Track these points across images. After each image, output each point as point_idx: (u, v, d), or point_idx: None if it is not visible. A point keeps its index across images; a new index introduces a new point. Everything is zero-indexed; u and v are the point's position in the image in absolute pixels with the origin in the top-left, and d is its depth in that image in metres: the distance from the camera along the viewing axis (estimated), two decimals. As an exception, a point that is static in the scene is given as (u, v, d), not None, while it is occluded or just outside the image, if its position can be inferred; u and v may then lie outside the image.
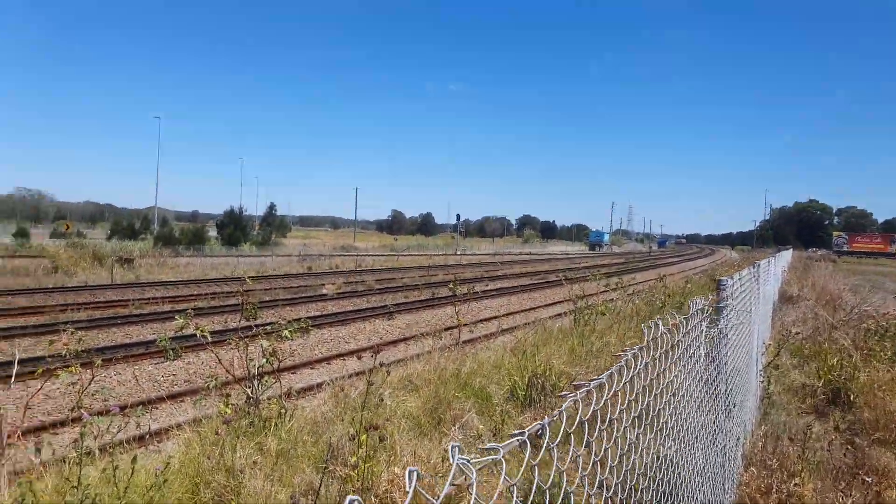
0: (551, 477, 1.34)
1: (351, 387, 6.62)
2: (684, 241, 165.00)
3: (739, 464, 4.51)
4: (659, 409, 1.97)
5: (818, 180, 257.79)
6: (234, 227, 54.52)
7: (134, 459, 3.02)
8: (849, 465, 4.78)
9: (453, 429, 5.28)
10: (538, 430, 1.15)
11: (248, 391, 5.23)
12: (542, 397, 6.32)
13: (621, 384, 1.64)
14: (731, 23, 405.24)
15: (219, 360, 5.56)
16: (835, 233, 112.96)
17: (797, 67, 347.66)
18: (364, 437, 3.88)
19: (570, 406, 1.29)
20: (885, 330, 10.19)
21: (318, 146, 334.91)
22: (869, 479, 4.13)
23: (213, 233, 55.77)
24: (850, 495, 3.92)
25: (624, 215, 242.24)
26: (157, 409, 8.26)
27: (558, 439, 1.24)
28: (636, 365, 1.76)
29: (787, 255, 27.13)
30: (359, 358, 4.13)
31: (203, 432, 4.96)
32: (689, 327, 2.44)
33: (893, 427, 6.01)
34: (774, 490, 3.86)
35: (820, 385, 7.59)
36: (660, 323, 2.02)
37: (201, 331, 5.17)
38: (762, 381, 6.99)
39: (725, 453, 3.59)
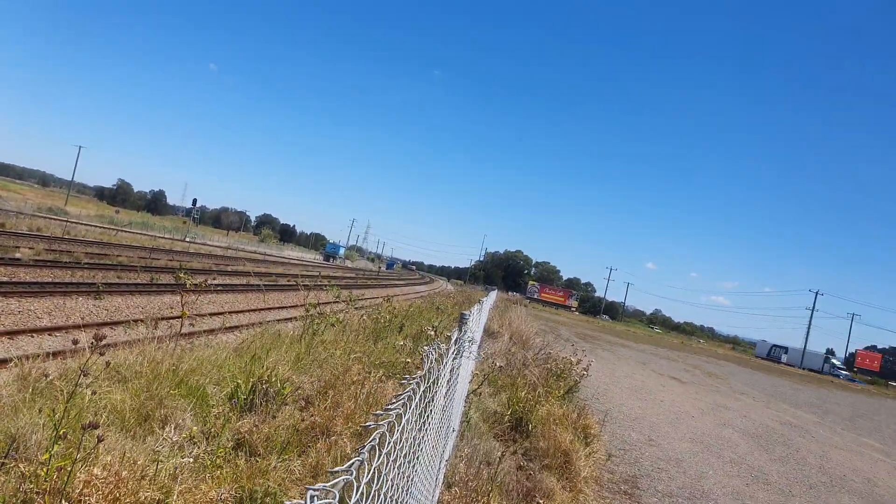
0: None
1: (43, 370, 5.79)
2: (413, 267, 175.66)
3: (441, 483, 4.99)
4: (422, 436, 2.16)
5: (527, 232, 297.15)
6: None
7: None
8: (528, 487, 5.61)
9: (167, 428, 4.94)
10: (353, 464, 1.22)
11: None
12: (264, 403, 6.23)
13: (408, 415, 1.77)
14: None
15: None
16: (530, 281, 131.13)
17: (513, 129, 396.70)
18: (63, 430, 3.46)
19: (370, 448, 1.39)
20: (560, 371, 12.13)
21: (35, 87, 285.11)
22: (541, 501, 4.90)
23: None
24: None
25: (361, 233, 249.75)
26: None
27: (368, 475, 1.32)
28: (417, 395, 1.92)
29: (493, 295, 30.55)
30: (75, 343, 3.61)
31: None
32: (450, 355, 2.71)
33: (559, 455, 7.20)
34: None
35: (508, 413, 8.72)
36: (433, 352, 2.23)
37: None
38: (465, 407, 7.82)
39: (437, 474, 3.98)
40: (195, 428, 5.29)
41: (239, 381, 6.55)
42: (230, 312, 16.02)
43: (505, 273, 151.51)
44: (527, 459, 7.32)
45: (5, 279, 13.91)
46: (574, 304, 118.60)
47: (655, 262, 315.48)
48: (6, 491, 3.50)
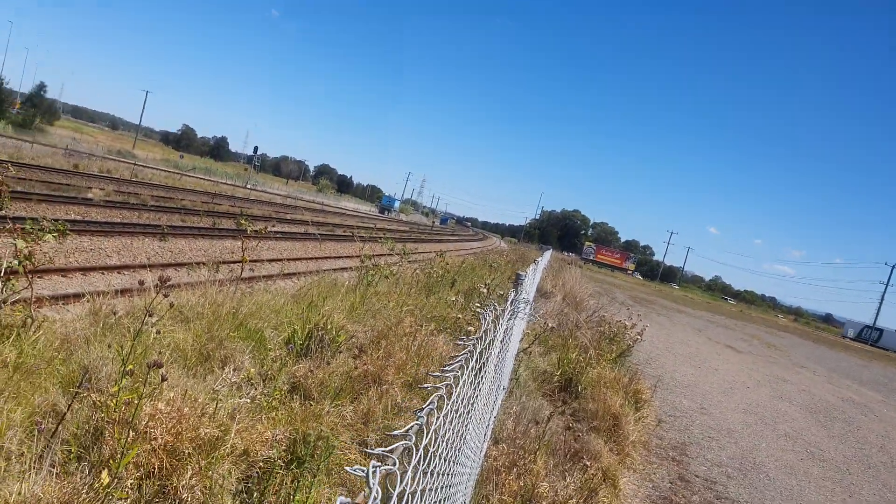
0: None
1: (112, 306, 6.05)
2: (468, 224, 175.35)
3: (489, 438, 5.03)
4: (476, 395, 2.14)
5: (585, 192, 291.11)
6: (-13, 99, 45.89)
7: None
8: (576, 448, 5.60)
9: (226, 369, 5.11)
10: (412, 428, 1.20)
11: (-11, 293, 4.51)
12: (319, 349, 6.37)
13: (464, 376, 1.75)
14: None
15: (-46, 251, 4.70)
16: (587, 242, 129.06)
17: (583, 91, 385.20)
18: (130, 366, 3.60)
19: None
20: (613, 334, 11.99)
21: (106, 32, 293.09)
22: (588, 462, 4.89)
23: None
24: (572, 474, 4.61)
25: (417, 186, 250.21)
26: None
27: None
28: (473, 356, 1.88)
29: (547, 255, 30.26)
30: (141, 283, 3.75)
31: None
32: (505, 316, 2.66)
33: (608, 418, 7.15)
34: (517, 465, 4.40)
35: (558, 374, 8.69)
36: (489, 314, 2.18)
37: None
38: (515, 365, 7.82)
39: (485, 429, 3.99)
40: (253, 370, 5.46)
41: (296, 326, 6.70)
42: (288, 259, 16.38)
43: (561, 232, 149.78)
44: (575, 420, 7.30)
45: (79, 218, 14.57)
46: (631, 266, 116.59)
47: (718, 227, 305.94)
48: (80, 418, 3.70)
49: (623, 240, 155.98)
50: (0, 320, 4.48)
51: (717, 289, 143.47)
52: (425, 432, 1.32)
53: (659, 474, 6.85)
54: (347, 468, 1.03)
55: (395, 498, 1.01)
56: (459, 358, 1.95)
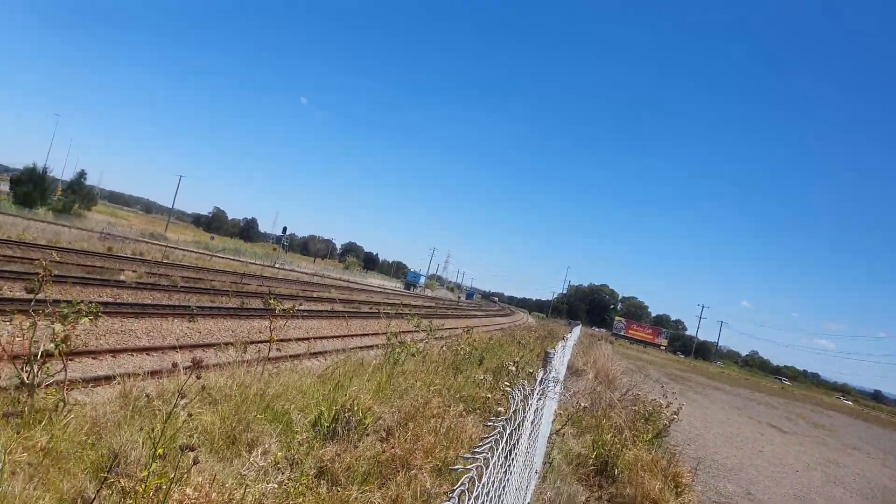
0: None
1: (141, 389, 6.06)
2: (496, 299, 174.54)
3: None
4: (507, 479, 2.07)
5: (613, 266, 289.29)
6: (32, 187, 48.31)
7: None
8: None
9: (254, 452, 5.03)
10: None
11: (25, 376, 4.56)
12: (346, 431, 6.25)
13: (494, 458, 1.70)
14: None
15: (-6, 335, 4.80)
16: (617, 317, 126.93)
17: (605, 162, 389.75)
18: (161, 450, 3.56)
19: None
20: (649, 414, 11.59)
21: (143, 121, 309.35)
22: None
23: (4, 187, 48.82)
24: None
25: (442, 262, 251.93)
26: None
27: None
28: (503, 437, 1.84)
29: (577, 331, 29.85)
30: (174, 365, 3.71)
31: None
32: (534, 396, 2.60)
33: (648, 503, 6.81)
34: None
35: (592, 456, 8.37)
36: (518, 393, 2.14)
37: (-19, 299, 4.44)
38: (548, 448, 7.56)
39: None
40: (279, 454, 5.37)
41: (322, 408, 6.62)
42: (315, 338, 16.39)
43: (589, 307, 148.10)
44: (612, 506, 6.97)
45: (110, 300, 14.86)
46: (663, 342, 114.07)
47: (750, 300, 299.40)
48: (107, 505, 3.64)
49: (653, 314, 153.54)
50: (33, 404, 4.51)
51: (754, 364, 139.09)
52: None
53: (705, 566, 6.44)
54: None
55: None
56: (489, 439, 1.91)
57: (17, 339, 4.94)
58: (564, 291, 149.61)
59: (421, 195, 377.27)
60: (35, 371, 4.65)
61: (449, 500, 1.31)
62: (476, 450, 1.75)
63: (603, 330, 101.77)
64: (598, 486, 7.48)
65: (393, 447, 6.10)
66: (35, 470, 3.74)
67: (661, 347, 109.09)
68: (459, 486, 1.40)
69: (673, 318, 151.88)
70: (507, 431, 2.24)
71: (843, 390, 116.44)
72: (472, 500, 1.46)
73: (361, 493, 4.93)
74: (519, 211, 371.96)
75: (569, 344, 15.07)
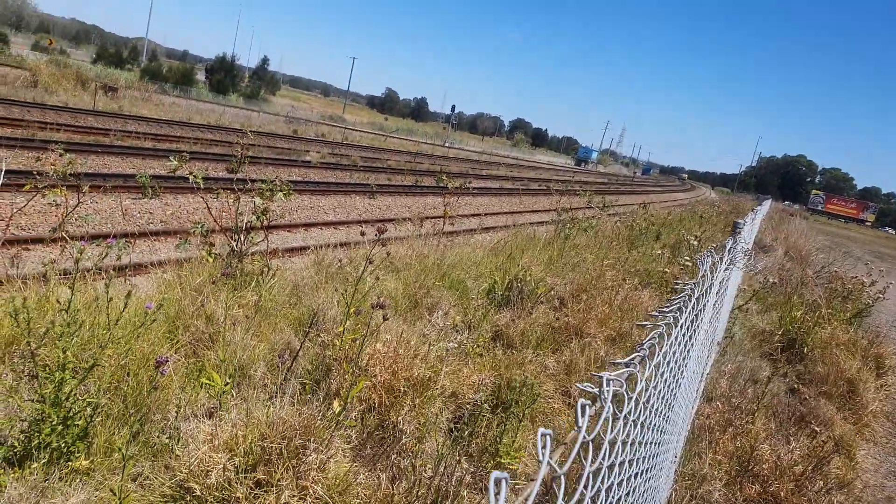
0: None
1: (332, 257, 6.62)
2: (685, 175, 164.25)
3: (700, 396, 4.71)
4: (691, 345, 1.98)
5: (811, 135, 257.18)
6: (224, 75, 52.61)
7: (128, 295, 2.97)
8: (801, 412, 5.05)
9: (435, 315, 5.36)
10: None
11: (234, 244, 5.17)
12: (519, 300, 6.42)
13: (681, 321, 1.62)
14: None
15: (208, 207, 5.45)
16: (814, 191, 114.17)
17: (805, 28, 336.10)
18: (351, 311, 3.90)
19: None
20: (849, 292, 10.55)
21: (317, 5, 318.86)
22: (817, 428, 4.37)
23: (201, 76, 53.74)
24: (798, 439, 4.16)
25: (616, 136, 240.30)
26: (131, 244, 8.18)
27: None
28: (690, 301, 1.74)
29: (766, 205, 27.41)
30: (362, 234, 4.07)
31: (184, 275, 4.94)
32: (722, 265, 2.42)
33: (841, 383, 6.33)
34: (732, 424, 4.06)
35: (779, 333, 7.87)
36: (707, 259, 1.99)
37: (194, 176, 5.01)
38: (729, 323, 7.21)
39: (697, 385, 3.72)
40: (458, 317, 5.68)
41: (496, 277, 6.81)
42: (485, 214, 16.73)
43: (782, 181, 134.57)
44: (800, 383, 6.58)
45: (300, 178, 16.19)
46: (870, 217, 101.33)
47: None
48: (311, 355, 4.12)
49: (859, 187, 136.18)
50: (243, 269, 5.12)
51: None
52: (647, 364, 1.29)
53: (908, 451, 5.95)
54: (578, 384, 1.04)
55: (620, 418, 1.04)
56: (677, 300, 1.82)
57: (224, 213, 5.56)
58: (753, 164, 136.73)
59: (593, 64, 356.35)
60: (242, 240, 5.23)
61: (639, 351, 1.29)
62: (664, 308, 1.68)
63: (797, 205, 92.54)
64: (783, 362, 7.07)
65: (566, 315, 6.17)
66: (249, 323, 4.28)
67: (867, 223, 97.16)
68: (649, 339, 1.36)
69: (884, 190, 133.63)
70: (696, 296, 2.12)
71: None
72: (660, 355, 1.41)
73: (536, 356, 5.09)
74: (702, 78, 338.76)
75: (757, 218, 13.91)
